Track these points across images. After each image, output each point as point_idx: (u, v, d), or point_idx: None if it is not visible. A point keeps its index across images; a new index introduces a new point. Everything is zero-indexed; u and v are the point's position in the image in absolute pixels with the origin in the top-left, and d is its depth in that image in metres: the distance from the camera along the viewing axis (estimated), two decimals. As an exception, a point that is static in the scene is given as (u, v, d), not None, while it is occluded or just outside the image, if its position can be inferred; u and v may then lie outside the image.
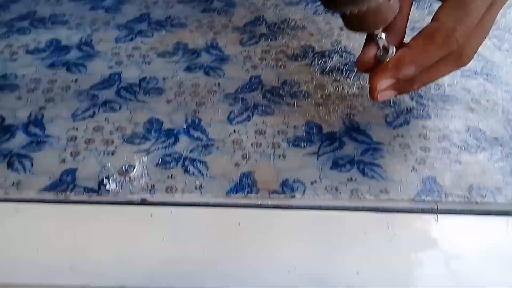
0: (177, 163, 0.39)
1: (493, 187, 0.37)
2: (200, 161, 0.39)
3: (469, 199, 0.36)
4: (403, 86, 0.39)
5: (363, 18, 0.35)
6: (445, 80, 0.47)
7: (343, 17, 0.37)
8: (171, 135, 0.42)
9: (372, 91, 0.38)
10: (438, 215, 0.36)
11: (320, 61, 0.51)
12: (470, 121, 0.43)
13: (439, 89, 0.47)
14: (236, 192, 0.37)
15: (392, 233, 0.35)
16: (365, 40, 0.41)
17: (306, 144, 0.41)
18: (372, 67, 0.39)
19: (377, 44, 0.38)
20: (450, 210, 0.36)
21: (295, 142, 0.41)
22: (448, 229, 0.35)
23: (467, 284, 0.32)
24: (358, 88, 0.48)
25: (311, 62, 0.51)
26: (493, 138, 0.41)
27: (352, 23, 0.37)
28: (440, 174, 0.38)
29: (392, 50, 0.37)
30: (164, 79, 0.49)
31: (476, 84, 0.48)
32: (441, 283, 0.32)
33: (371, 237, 0.34)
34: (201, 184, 0.37)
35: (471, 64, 0.39)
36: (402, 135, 0.41)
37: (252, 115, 0.44)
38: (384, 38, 0.37)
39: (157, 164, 0.39)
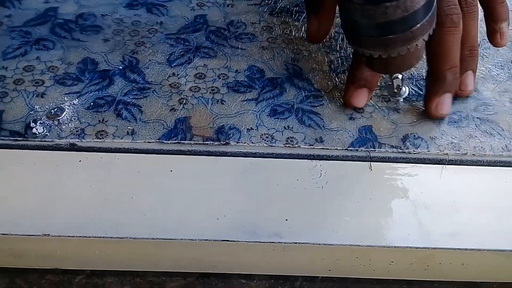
0: (109, 107, 0.37)
1: (428, 136, 0.37)
2: (134, 105, 0.38)
3: (402, 149, 0.36)
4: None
5: (389, 62, 0.33)
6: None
7: (367, 57, 0.33)
8: (106, 76, 0.40)
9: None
10: (372, 164, 0.36)
11: (269, 1, 0.49)
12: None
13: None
14: (170, 138, 0.36)
15: (324, 181, 0.35)
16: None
17: (246, 90, 0.40)
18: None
19: (392, 82, 0.36)
20: (384, 158, 0.36)
21: (235, 87, 0.40)
22: (381, 177, 0.35)
23: (394, 232, 0.32)
24: (306, 31, 0.46)
25: (261, 2, 0.49)
26: (436, 88, 0.41)
27: (376, 64, 0.34)
28: (377, 123, 0.38)
29: (406, 90, 0.36)
30: (102, 15, 0.46)
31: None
32: (369, 231, 0.32)
33: (303, 185, 0.34)
34: (133, 129, 0.36)
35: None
36: (343, 82, 0.41)
37: (194, 57, 0.42)
38: (400, 78, 0.35)
39: (88, 108, 0.37)
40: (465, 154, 0.36)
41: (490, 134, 0.37)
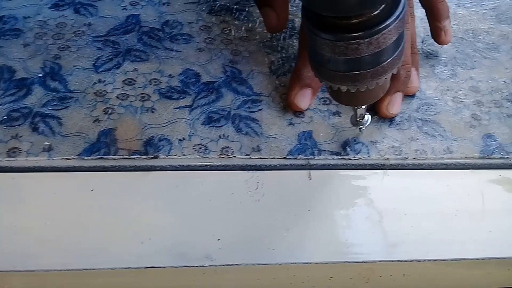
0: (25, 120, 0.34)
1: (369, 141, 0.35)
2: (53, 117, 0.35)
3: (342, 155, 0.34)
4: None
5: (356, 95, 0.31)
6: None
7: (333, 90, 0.31)
8: (23, 86, 0.36)
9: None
10: (312, 172, 0.34)
11: (208, -1, 0.47)
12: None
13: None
14: (91, 154, 0.33)
15: (261, 193, 0.33)
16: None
17: (180, 96, 0.37)
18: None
19: (355, 111, 0.34)
20: (324, 165, 0.34)
21: (168, 94, 0.37)
22: (320, 186, 0.34)
23: (332, 246, 0.31)
24: (246, 30, 0.44)
25: (199, 0, 0.46)
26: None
27: (343, 97, 0.32)
28: (317, 128, 0.36)
29: (368, 118, 0.34)
30: (25, 18, 0.42)
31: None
32: (306, 247, 0.30)
33: (238, 199, 0.32)
34: (50, 145, 0.33)
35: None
36: (283, 85, 0.39)
37: (123, 61, 0.39)
38: (364, 107, 0.33)
39: (0, 122, 0.34)
40: (406, 158, 0.35)
41: (432, 136, 0.36)
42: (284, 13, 0.38)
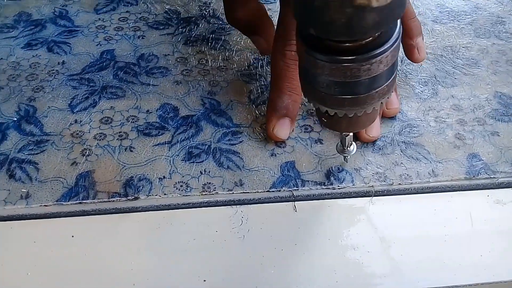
0: (1, 167, 0.33)
1: (352, 168, 0.35)
2: (30, 162, 0.34)
3: (326, 185, 0.34)
4: None
5: (342, 121, 0.30)
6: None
7: (321, 112, 0.30)
8: (-3, 131, 0.36)
9: None
10: (296, 203, 0.33)
11: (184, 29, 0.46)
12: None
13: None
14: (70, 199, 0.32)
15: (246, 229, 0.32)
16: None
17: (158, 132, 0.37)
18: None
19: (343, 139, 0.33)
20: (308, 196, 0.34)
21: (146, 131, 0.37)
22: (306, 218, 0.33)
23: (320, 281, 0.30)
24: (224, 60, 0.43)
25: (174, 31, 0.46)
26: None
27: (328, 121, 0.31)
28: (300, 158, 0.35)
29: (354, 146, 0.34)
30: (-3, 59, 0.42)
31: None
32: (293, 283, 0.30)
33: (223, 236, 0.31)
34: (28, 192, 0.32)
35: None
36: (263, 114, 0.38)
37: (99, 99, 0.39)
38: (351, 134, 0.33)
39: (-25, 171, 0.33)
40: (391, 184, 0.34)
41: (416, 159, 0.36)
42: (271, 38, 0.38)
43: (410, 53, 0.40)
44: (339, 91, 0.28)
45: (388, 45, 0.26)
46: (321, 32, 0.25)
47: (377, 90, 0.27)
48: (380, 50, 0.26)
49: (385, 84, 0.28)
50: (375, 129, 0.36)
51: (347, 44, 0.25)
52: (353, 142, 0.34)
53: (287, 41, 0.34)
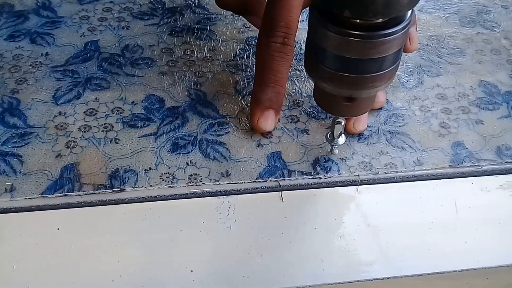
0: (-16, 161, 0.33)
1: (338, 158, 0.35)
2: (14, 155, 0.33)
3: (312, 175, 0.34)
4: None
5: (344, 103, 0.30)
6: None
7: (321, 93, 0.30)
8: (-20, 124, 0.35)
9: None
10: (283, 193, 0.34)
11: (169, 20, 0.46)
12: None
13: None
14: (55, 191, 0.32)
15: (233, 219, 0.32)
16: None
17: (144, 124, 0.36)
18: None
19: (333, 127, 0.33)
20: (295, 186, 0.34)
21: (131, 122, 0.36)
22: (292, 207, 0.33)
23: (306, 269, 0.30)
24: (209, 50, 0.43)
25: (159, 21, 0.46)
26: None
27: (329, 104, 0.31)
28: (286, 148, 0.35)
29: (343, 138, 0.34)
30: (-21, 51, 0.41)
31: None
32: (280, 272, 0.30)
33: (210, 227, 0.31)
34: (12, 185, 0.32)
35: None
36: (249, 105, 0.38)
37: (84, 91, 0.38)
38: (342, 124, 0.33)
39: (-42, 164, 0.33)
40: (377, 173, 0.34)
41: (401, 148, 0.36)
42: None
43: None
44: (346, 69, 0.28)
45: (400, 28, 0.27)
46: (359, 12, 0.25)
47: (382, 72, 0.28)
48: (392, 31, 0.26)
49: (391, 68, 0.29)
50: (362, 123, 0.36)
51: (363, 21, 0.26)
52: (343, 133, 0.34)
53: (273, 32, 0.34)
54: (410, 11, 0.27)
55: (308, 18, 0.29)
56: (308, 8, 0.32)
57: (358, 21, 0.26)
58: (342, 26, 0.26)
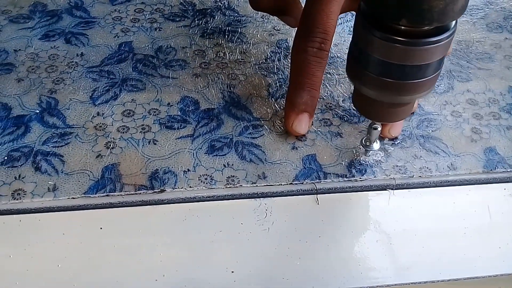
0: (26, 159, 0.34)
1: (373, 161, 0.35)
2: (55, 155, 0.34)
3: (348, 177, 0.34)
4: None
5: (383, 109, 0.31)
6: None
7: (360, 98, 0.31)
8: (21, 123, 0.36)
9: None
10: (319, 196, 0.34)
11: (200, 21, 0.46)
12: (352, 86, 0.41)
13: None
14: (97, 191, 0.32)
15: (271, 222, 0.33)
16: None
17: (181, 126, 0.37)
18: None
19: (370, 133, 0.34)
20: (330, 189, 0.34)
21: (168, 124, 0.37)
22: (328, 210, 0.33)
23: (345, 272, 0.31)
24: (241, 53, 0.43)
25: (191, 23, 0.46)
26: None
27: (368, 109, 0.32)
28: (321, 151, 0.36)
29: (378, 144, 0.35)
30: (15, 51, 0.42)
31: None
32: (319, 275, 0.30)
33: (248, 228, 0.32)
34: (54, 184, 0.32)
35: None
36: (283, 108, 0.38)
37: (120, 92, 0.39)
38: (379, 129, 0.33)
39: (2, 163, 0.33)
40: (412, 176, 0.35)
41: (435, 153, 0.36)
42: (300, 14, 0.38)
43: None
44: (390, 74, 0.28)
45: (446, 35, 0.27)
46: (415, 20, 0.25)
47: (425, 79, 0.28)
48: (438, 38, 0.27)
49: (433, 75, 0.29)
50: (398, 129, 0.37)
51: (409, 28, 0.26)
52: (378, 140, 0.34)
53: (310, 37, 0.35)
54: (453, 23, 0.28)
55: (353, 22, 0.30)
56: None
57: (408, 28, 0.26)
58: (387, 31, 0.27)
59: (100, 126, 0.36)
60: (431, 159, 0.36)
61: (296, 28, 0.37)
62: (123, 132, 0.36)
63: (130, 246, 0.30)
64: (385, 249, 0.32)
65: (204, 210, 0.33)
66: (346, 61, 0.32)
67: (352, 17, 0.48)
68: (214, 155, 0.35)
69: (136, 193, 0.32)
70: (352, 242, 0.32)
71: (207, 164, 0.34)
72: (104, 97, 0.38)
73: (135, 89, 0.39)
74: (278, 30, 0.46)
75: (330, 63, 0.43)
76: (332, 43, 0.43)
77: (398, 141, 0.37)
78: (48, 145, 0.35)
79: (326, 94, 0.40)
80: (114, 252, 0.30)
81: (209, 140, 0.36)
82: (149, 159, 0.34)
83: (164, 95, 0.39)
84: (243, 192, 0.33)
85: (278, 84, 0.41)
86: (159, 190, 0.33)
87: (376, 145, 0.35)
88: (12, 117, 0.36)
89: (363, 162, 0.35)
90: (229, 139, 0.36)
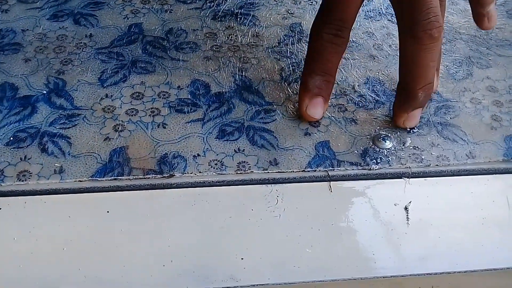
0: (33, 141, 0.33)
1: (388, 149, 0.34)
2: (62, 136, 0.33)
3: (362, 165, 0.33)
4: None
5: None
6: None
7: None
8: (27, 103, 0.35)
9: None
10: (332, 183, 0.33)
11: (212, 4, 0.45)
12: (370, 71, 0.40)
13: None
14: (104, 175, 0.31)
15: (282, 208, 0.32)
16: None
17: (191, 109, 0.36)
18: None
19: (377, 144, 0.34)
20: (344, 176, 0.33)
21: (178, 107, 0.36)
22: (341, 198, 0.32)
23: (358, 262, 0.30)
24: (253, 36, 0.42)
25: (202, 5, 0.45)
26: (393, 91, 0.38)
27: None
28: (334, 138, 0.35)
29: (391, 143, 0.34)
30: (23, 31, 0.41)
31: (379, 26, 0.44)
32: (332, 263, 0.29)
33: (259, 215, 0.31)
34: (61, 167, 0.32)
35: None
36: (296, 92, 0.37)
37: (129, 74, 0.38)
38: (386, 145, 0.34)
39: (7, 143, 0.33)
40: (428, 165, 0.33)
41: (453, 141, 0.35)
42: None
43: (479, 21, 0.38)
44: None
45: None
46: None
47: None
48: None
49: None
50: (413, 121, 0.35)
51: None
52: (390, 138, 0.33)
53: (328, 24, 0.34)
54: None
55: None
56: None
57: None
58: None
59: (109, 109, 0.35)
60: (449, 147, 0.35)
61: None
62: (132, 115, 0.35)
63: (138, 230, 0.30)
64: (400, 238, 0.30)
65: (214, 195, 0.32)
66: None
67: (368, 1, 0.47)
68: (225, 140, 0.34)
69: (144, 177, 0.32)
70: (365, 231, 0.31)
71: (217, 149, 0.34)
72: (113, 79, 0.37)
73: (145, 72, 0.38)
74: (291, 13, 0.45)
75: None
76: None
77: (415, 129, 0.36)
78: (55, 127, 0.34)
79: (341, 79, 0.39)
80: (121, 236, 0.29)
81: (220, 125, 0.35)
82: (158, 143, 0.33)
83: (174, 78, 0.38)
84: (254, 177, 0.32)
85: (291, 69, 0.40)
86: (168, 175, 0.32)
87: (389, 143, 0.34)
88: (18, 97, 0.35)
89: (378, 149, 0.34)
90: (240, 124, 0.35)
